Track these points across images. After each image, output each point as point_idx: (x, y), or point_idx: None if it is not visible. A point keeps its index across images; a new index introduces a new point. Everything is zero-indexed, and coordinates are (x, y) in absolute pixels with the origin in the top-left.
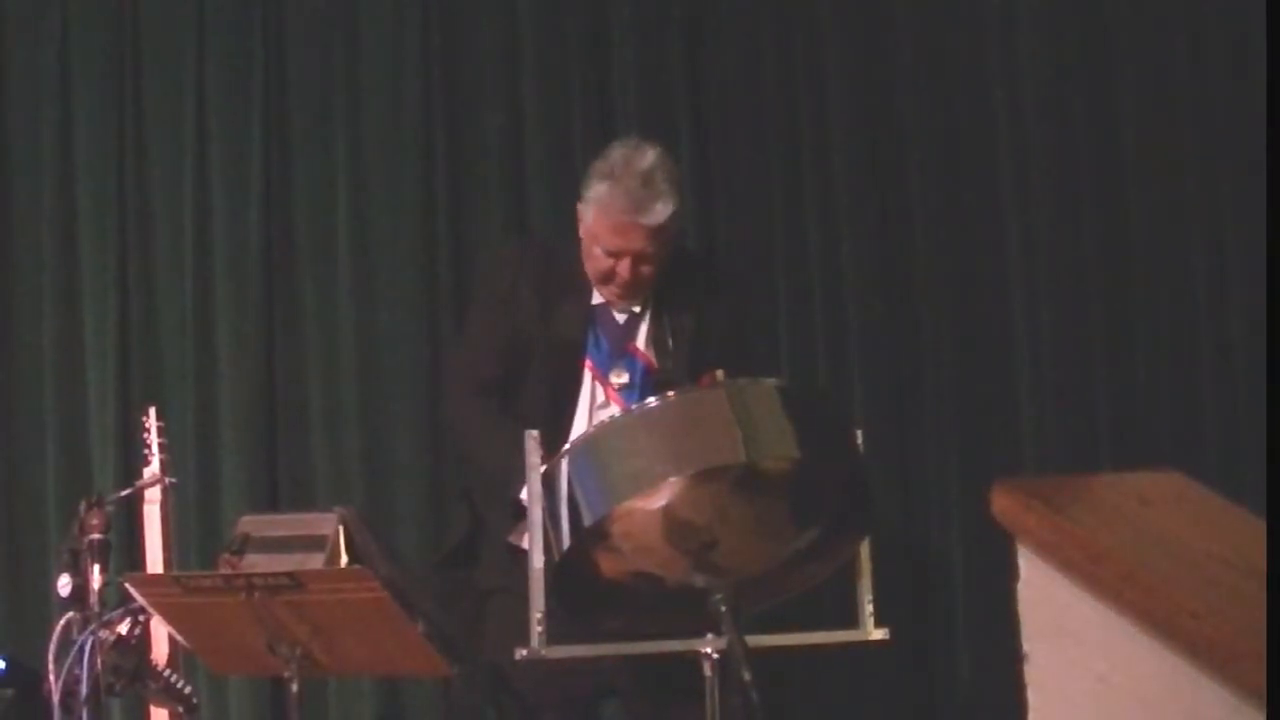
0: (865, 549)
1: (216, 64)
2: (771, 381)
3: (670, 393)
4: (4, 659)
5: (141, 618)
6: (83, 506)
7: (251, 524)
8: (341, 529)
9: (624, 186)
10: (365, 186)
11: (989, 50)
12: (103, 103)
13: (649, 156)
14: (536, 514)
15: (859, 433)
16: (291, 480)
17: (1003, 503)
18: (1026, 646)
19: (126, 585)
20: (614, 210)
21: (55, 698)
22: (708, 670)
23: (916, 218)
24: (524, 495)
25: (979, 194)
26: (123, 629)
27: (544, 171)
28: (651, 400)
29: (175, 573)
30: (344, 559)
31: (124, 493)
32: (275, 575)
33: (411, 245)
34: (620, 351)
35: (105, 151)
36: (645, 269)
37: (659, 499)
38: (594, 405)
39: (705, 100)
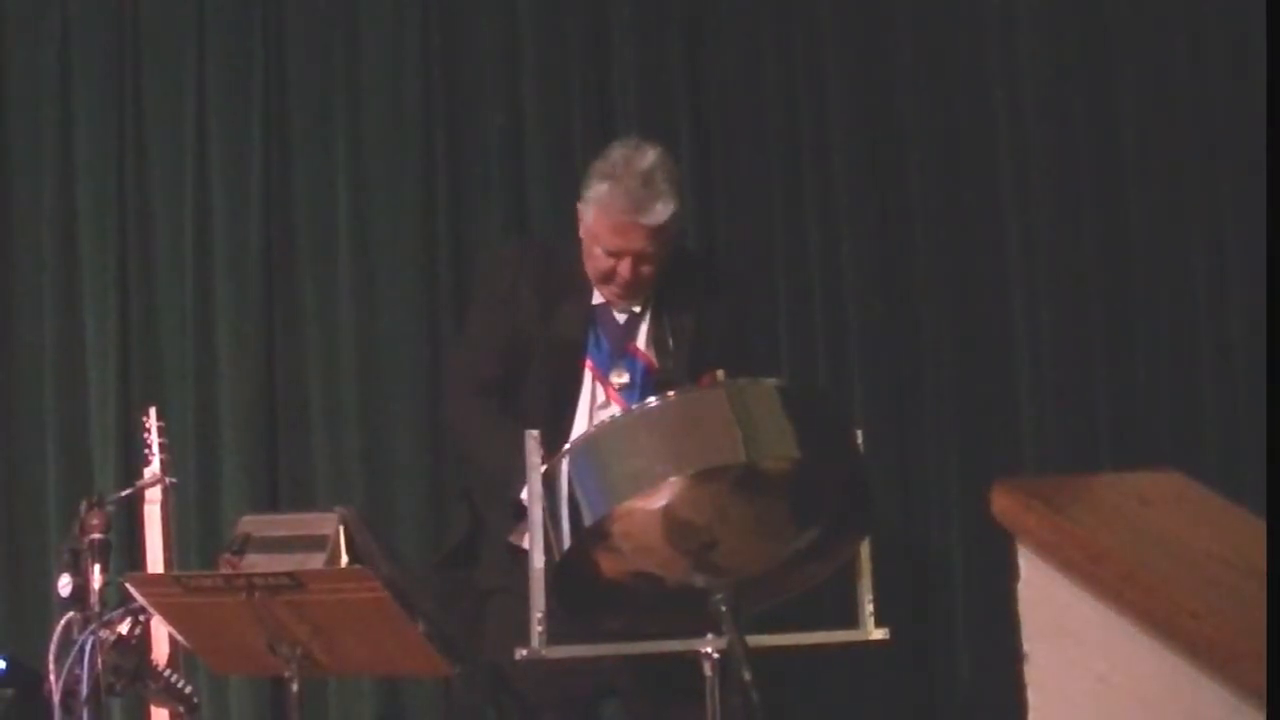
0: (865, 549)
1: (216, 64)
2: (771, 381)
3: (670, 393)
4: (4, 659)
5: (142, 618)
6: (83, 506)
7: (252, 524)
8: (342, 529)
9: (624, 186)
10: (365, 186)
11: (989, 50)
12: (103, 103)
13: (649, 156)
14: (537, 514)
15: (859, 433)
16: (292, 480)
17: (1003, 503)
18: (1026, 646)
19: (127, 585)
20: (614, 210)
21: (56, 698)
22: (708, 670)
23: (916, 218)
24: (524, 495)
25: (979, 194)
26: (123, 629)
27: (544, 171)
28: (652, 400)
29: (176, 573)
30: (344, 559)
31: (124, 493)
32: (276, 575)
33: (411, 245)
34: (621, 351)
35: (105, 151)
36: (646, 269)
37: (659, 499)
38: (594, 405)
39: (705, 100)
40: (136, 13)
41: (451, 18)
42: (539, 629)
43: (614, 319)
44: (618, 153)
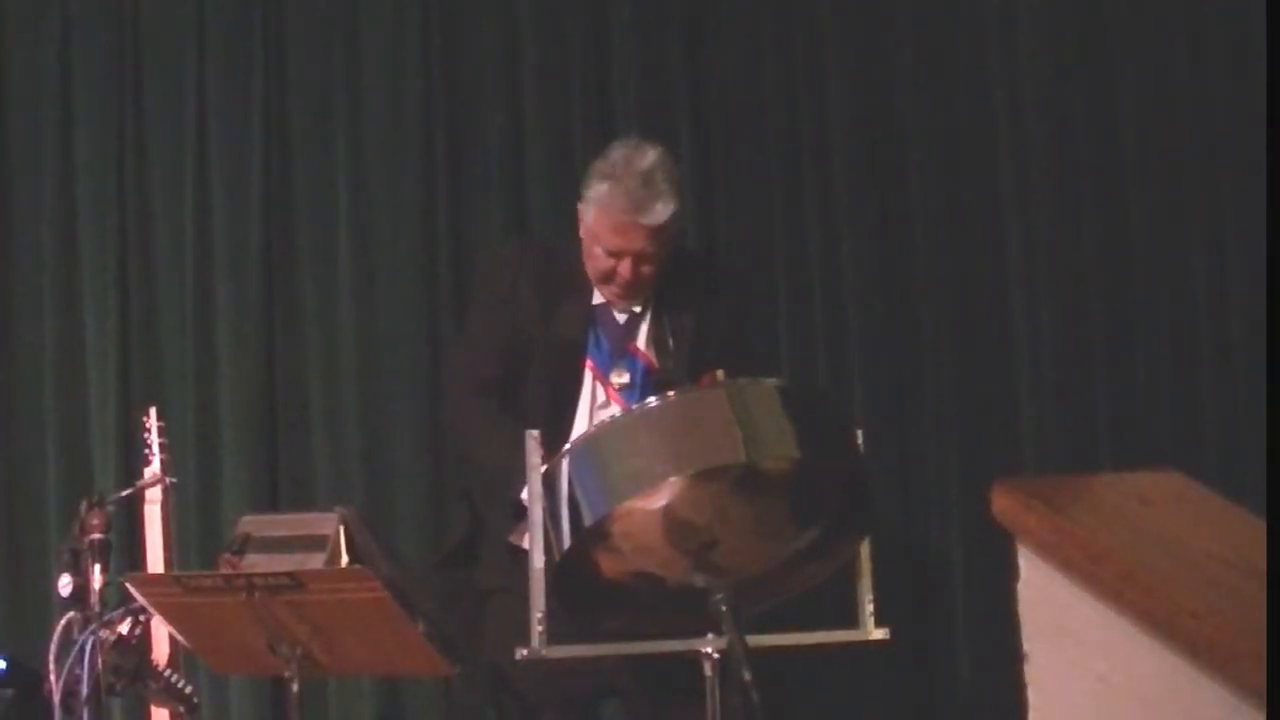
0: (865, 549)
1: (216, 64)
2: (771, 381)
3: (670, 393)
4: (4, 659)
5: (142, 618)
6: (83, 506)
7: (252, 524)
8: (342, 529)
9: (625, 186)
10: (365, 186)
11: (989, 50)
12: (103, 103)
13: (649, 156)
14: (537, 514)
15: (859, 433)
16: (292, 480)
17: (1003, 503)
18: (1026, 646)
19: (127, 585)
20: (615, 210)
21: (56, 698)
22: (708, 670)
23: (916, 218)
24: (524, 495)
25: (979, 194)
26: (123, 629)
27: (544, 171)
28: (652, 400)
29: (176, 573)
30: (344, 559)
31: (125, 493)
32: (276, 575)
33: (411, 245)
34: (621, 351)
35: (105, 151)
36: (646, 269)
37: (659, 499)
38: (594, 405)
39: (705, 100)
40: (136, 13)
41: (451, 18)
42: (539, 629)
43: (614, 319)
44: (618, 153)
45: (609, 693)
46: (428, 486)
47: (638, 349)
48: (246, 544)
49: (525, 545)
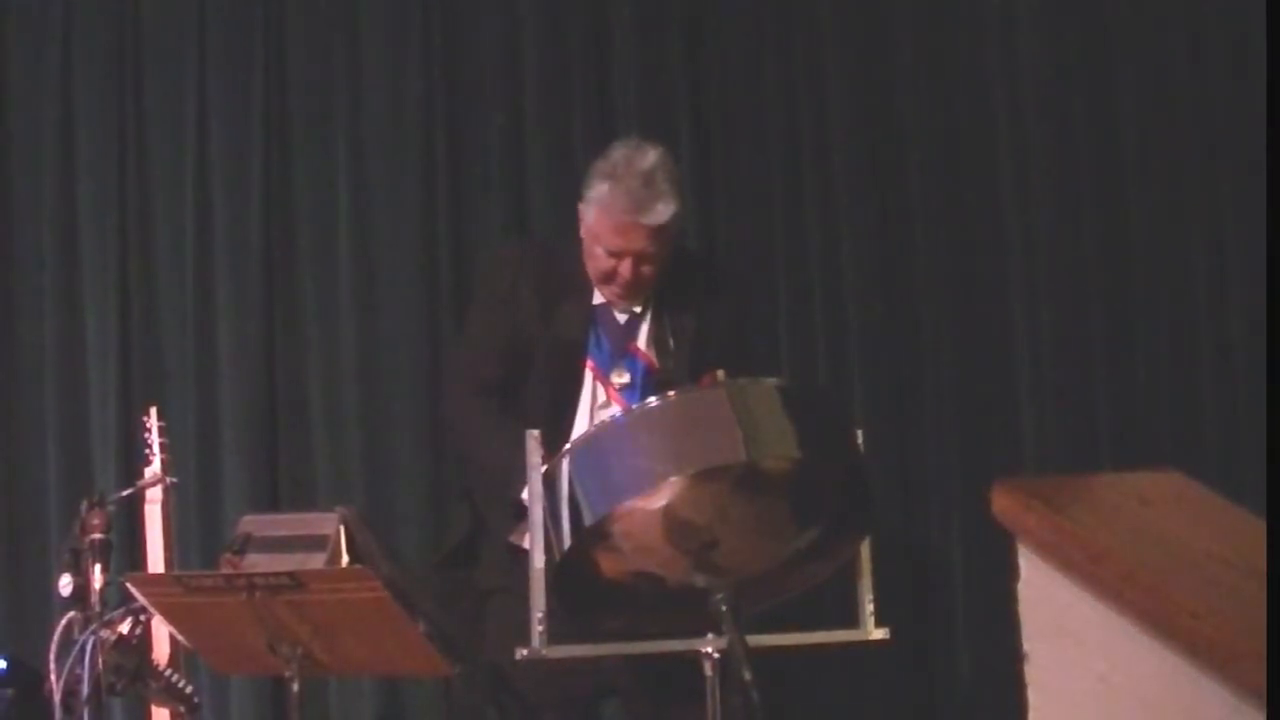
0: (865, 549)
1: (216, 64)
2: (772, 381)
3: (671, 392)
4: (5, 659)
5: (143, 617)
6: (84, 506)
7: (252, 524)
8: (342, 529)
9: (625, 186)
10: (365, 186)
11: (989, 50)
12: (103, 103)
13: (650, 156)
14: (537, 514)
15: (859, 433)
16: (292, 480)
17: (1003, 503)
18: (1026, 646)
19: (128, 585)
20: (615, 210)
21: (56, 697)
22: (708, 670)
23: (916, 218)
24: (524, 495)
25: (979, 194)
26: (124, 629)
27: (544, 171)
28: (652, 400)
29: (176, 572)
30: (345, 559)
31: (125, 492)
32: (276, 575)
33: (411, 245)
34: (621, 351)
35: (105, 151)
36: (646, 269)
37: (659, 499)
38: (595, 405)
39: (705, 100)
40: (136, 13)
41: (451, 18)
42: (539, 629)
43: (615, 319)
44: (619, 153)
45: (609, 693)
46: (428, 486)
47: (638, 349)
48: (247, 544)
49: (525, 545)
